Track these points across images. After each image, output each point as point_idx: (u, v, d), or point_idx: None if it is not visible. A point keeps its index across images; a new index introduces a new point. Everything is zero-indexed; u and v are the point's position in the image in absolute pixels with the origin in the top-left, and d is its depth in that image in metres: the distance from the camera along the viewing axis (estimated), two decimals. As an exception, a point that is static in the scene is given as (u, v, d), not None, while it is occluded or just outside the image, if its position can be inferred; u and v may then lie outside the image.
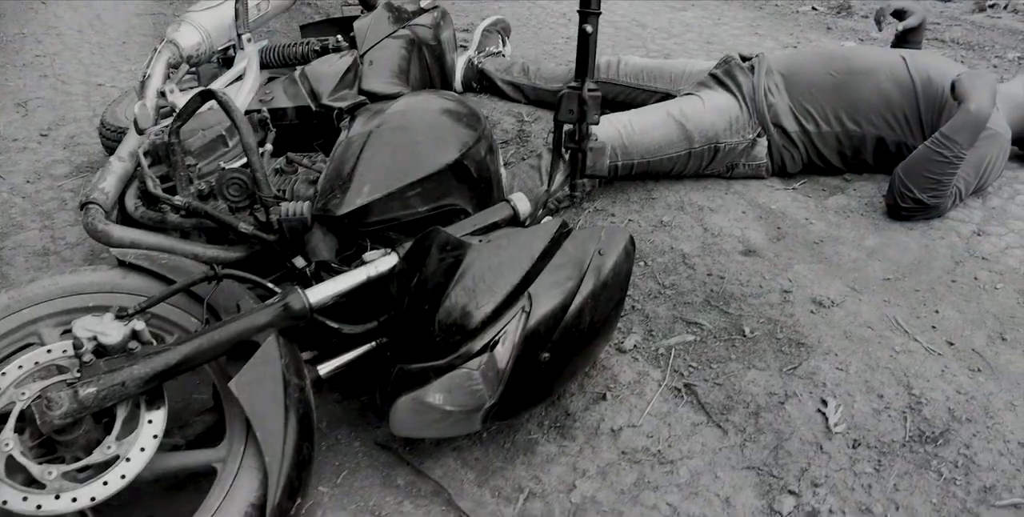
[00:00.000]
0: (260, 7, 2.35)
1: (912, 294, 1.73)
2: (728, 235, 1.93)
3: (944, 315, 1.66)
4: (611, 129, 2.03)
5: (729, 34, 3.26)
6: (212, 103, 1.97)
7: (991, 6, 3.38)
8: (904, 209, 1.93)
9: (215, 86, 2.05)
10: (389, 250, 1.48)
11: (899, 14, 2.25)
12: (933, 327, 1.63)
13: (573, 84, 1.55)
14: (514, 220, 1.53)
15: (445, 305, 1.33)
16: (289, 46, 2.31)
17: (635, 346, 1.66)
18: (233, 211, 1.67)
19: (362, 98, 1.91)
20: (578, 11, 1.48)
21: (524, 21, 3.51)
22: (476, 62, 2.71)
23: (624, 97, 2.41)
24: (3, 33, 3.96)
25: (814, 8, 3.51)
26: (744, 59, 2.26)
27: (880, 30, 2.23)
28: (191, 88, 2.20)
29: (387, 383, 1.37)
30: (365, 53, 2.13)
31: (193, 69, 2.24)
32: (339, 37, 2.31)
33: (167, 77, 2.09)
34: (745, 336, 1.64)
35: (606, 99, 2.44)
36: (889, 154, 2.07)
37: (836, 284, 1.76)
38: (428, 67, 2.28)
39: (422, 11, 2.43)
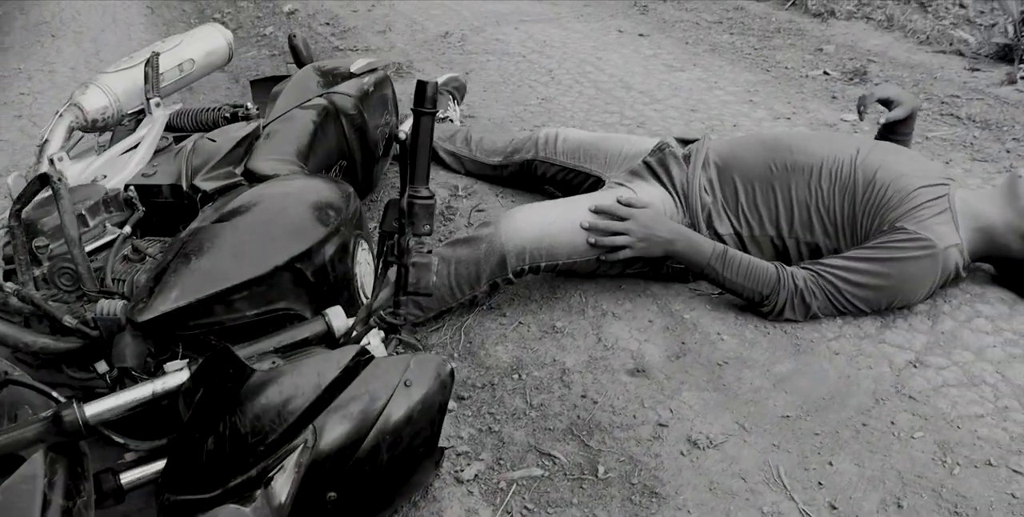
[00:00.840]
0: (183, 68, 2.27)
1: (809, 438, 1.48)
2: (622, 349, 1.72)
3: (838, 468, 1.41)
4: (532, 230, 1.83)
5: (719, 100, 3.03)
6: (97, 175, 1.91)
7: (1023, 78, 3.07)
8: (774, 315, 1.76)
9: (110, 154, 1.97)
10: (185, 363, 1.34)
11: (886, 103, 2.00)
12: (820, 483, 1.39)
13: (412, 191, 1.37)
14: (328, 337, 1.37)
15: (218, 433, 1.19)
16: (203, 111, 2.22)
17: (476, 476, 1.46)
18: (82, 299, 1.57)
19: (237, 179, 1.79)
20: (412, 109, 1.32)
21: (506, 78, 3.36)
22: None
23: (561, 177, 2.22)
24: (5, 67, 4.05)
25: (826, 73, 3.25)
26: (685, 142, 2.06)
27: (862, 119, 1.99)
28: (102, 148, 2.13)
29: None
30: (269, 124, 2.03)
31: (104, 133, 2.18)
32: (248, 104, 2.21)
33: (67, 142, 2.03)
34: (597, 477, 1.43)
35: (544, 177, 2.27)
36: (826, 259, 1.83)
37: (724, 419, 1.53)
38: (346, 141, 2.15)
39: (351, 76, 2.32)
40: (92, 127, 2.08)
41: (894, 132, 2.07)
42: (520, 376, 1.67)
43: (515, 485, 1.44)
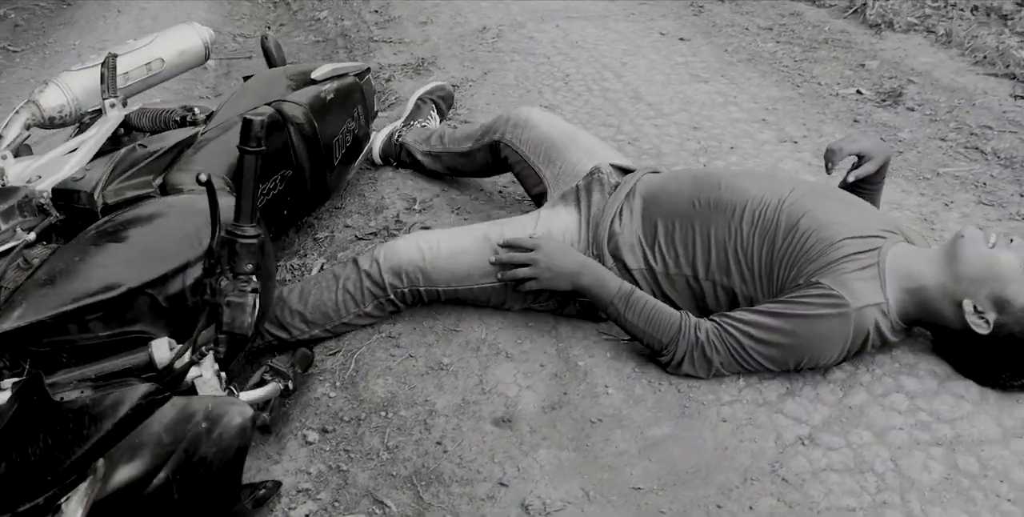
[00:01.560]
0: (152, 67, 2.31)
1: (653, 516, 1.38)
2: (499, 394, 1.64)
3: (669, 556, 1.31)
4: (412, 250, 1.80)
5: (729, 118, 2.85)
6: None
7: (1080, 107, 2.74)
8: (673, 368, 1.64)
9: (52, 154, 2.03)
10: (12, 383, 1.37)
11: (858, 157, 1.83)
12: (642, 571, 1.29)
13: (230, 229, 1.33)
14: (150, 368, 1.37)
15: (11, 458, 1.21)
16: (160, 112, 2.26)
17: (305, 516, 1.44)
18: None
19: (149, 190, 1.80)
20: (237, 147, 1.29)
21: (520, 80, 3.27)
22: (397, 136, 2.53)
23: (518, 169, 2.13)
24: (62, 43, 4.25)
25: (859, 92, 3.00)
26: (625, 171, 1.94)
27: (829, 173, 1.82)
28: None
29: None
30: (207, 131, 2.03)
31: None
32: (197, 108, 2.23)
33: (21, 139, 2.10)
34: (418, 535, 1.38)
35: (506, 163, 2.18)
36: (740, 308, 1.69)
37: (571, 484, 1.44)
38: (292, 150, 2.13)
39: (312, 82, 2.29)
40: (50, 124, 2.15)
41: (861, 183, 1.89)
42: (388, 414, 1.62)
43: (340, 531, 1.40)
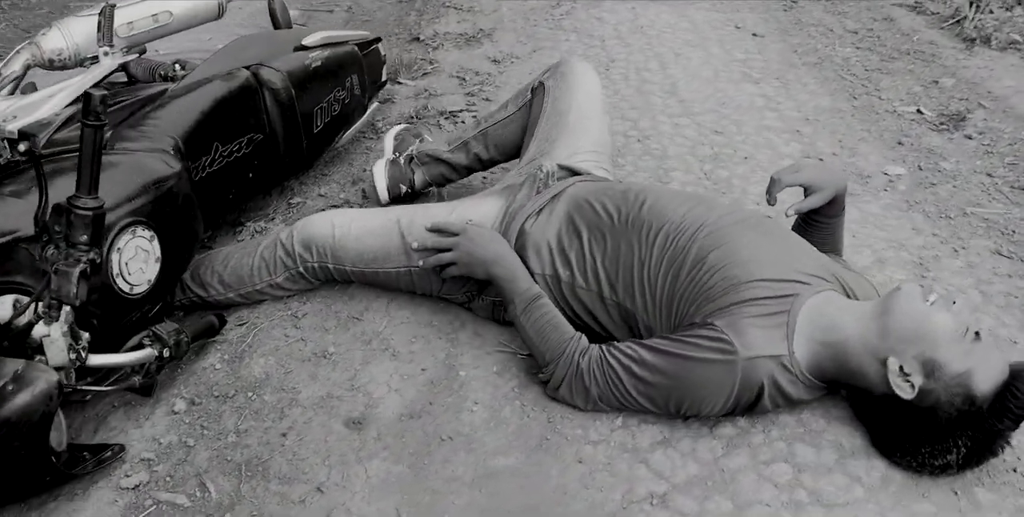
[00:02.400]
0: (159, 19, 2.33)
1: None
2: (364, 393, 1.58)
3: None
4: (325, 226, 1.75)
5: (760, 126, 2.62)
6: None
7: None
8: (551, 390, 1.53)
9: (36, 95, 2.09)
10: None
11: (805, 188, 1.64)
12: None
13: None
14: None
15: None
16: (155, 64, 2.28)
17: (135, 486, 1.43)
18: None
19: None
20: (78, 120, 1.27)
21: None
22: (402, 159, 2.35)
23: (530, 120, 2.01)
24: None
25: (919, 111, 2.69)
26: (575, 173, 1.81)
27: (771, 204, 1.64)
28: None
29: None
30: (175, 90, 2.04)
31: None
32: (179, 64, 2.24)
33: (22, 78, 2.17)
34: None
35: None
36: (640, 337, 1.55)
37: (386, 503, 1.35)
38: (266, 115, 2.10)
39: (303, 48, 2.26)
40: (49, 66, 2.21)
41: (813, 217, 1.70)
42: (253, 395, 1.59)
43: (157, 507, 1.40)
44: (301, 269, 1.76)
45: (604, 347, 1.48)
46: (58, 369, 1.37)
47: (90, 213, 1.31)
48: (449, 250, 1.62)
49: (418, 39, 3.45)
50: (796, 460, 1.41)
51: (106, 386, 1.53)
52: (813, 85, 2.94)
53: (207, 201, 1.89)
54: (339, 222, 1.74)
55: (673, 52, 3.22)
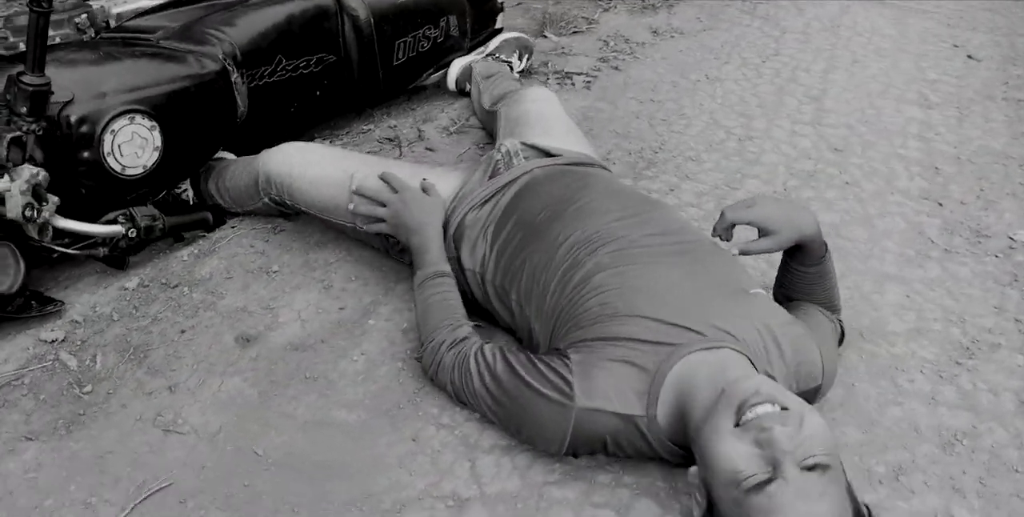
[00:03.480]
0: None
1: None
2: (273, 315, 1.58)
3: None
4: (284, 164, 1.70)
5: (888, 154, 2.24)
6: None
7: None
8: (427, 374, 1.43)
9: None
10: None
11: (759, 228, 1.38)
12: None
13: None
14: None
15: None
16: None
17: (53, 341, 1.56)
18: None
19: (147, 36, 1.93)
20: (26, 5, 1.38)
21: (722, 45, 2.85)
22: (490, 59, 2.42)
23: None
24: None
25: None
26: (545, 154, 1.65)
27: (724, 240, 1.42)
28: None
29: None
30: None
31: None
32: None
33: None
34: (82, 393, 1.43)
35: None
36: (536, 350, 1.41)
37: (212, 419, 1.38)
38: (341, 39, 2.13)
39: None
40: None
41: (787, 263, 1.45)
42: (187, 290, 1.66)
43: (52, 364, 1.51)
44: (266, 199, 1.77)
45: (478, 347, 1.34)
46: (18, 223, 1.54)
47: (30, 88, 1.43)
48: (384, 205, 1.56)
49: (593, -3, 3.33)
50: (629, 515, 1.23)
51: (72, 249, 1.68)
52: (996, 123, 2.46)
53: (262, 108, 1.95)
54: (297, 162, 1.69)
55: (853, 58, 2.83)
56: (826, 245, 1.41)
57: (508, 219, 1.48)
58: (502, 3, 2.49)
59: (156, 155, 1.74)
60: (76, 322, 1.60)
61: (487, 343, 1.35)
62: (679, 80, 2.50)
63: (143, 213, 1.74)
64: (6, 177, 1.52)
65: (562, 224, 1.39)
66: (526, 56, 2.46)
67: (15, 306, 1.61)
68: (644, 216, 1.39)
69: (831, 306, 1.46)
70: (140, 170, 1.72)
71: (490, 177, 1.57)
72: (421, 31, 2.28)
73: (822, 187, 2.06)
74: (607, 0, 3.29)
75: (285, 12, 2.03)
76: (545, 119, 1.81)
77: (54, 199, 1.60)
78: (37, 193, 1.57)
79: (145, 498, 1.23)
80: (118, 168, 1.69)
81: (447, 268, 1.44)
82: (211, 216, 1.89)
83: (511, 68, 2.39)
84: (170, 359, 1.49)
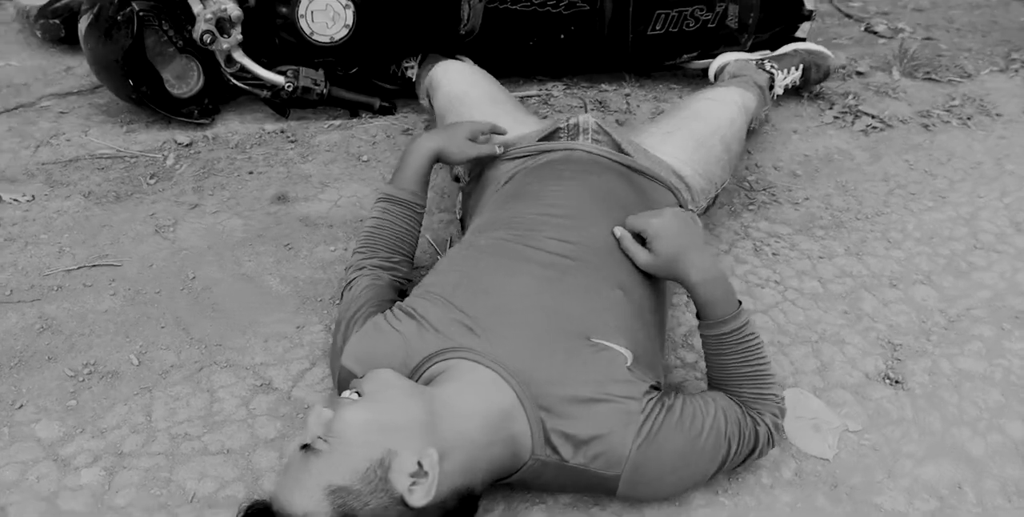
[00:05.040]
0: None
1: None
2: (319, 188, 1.69)
3: None
4: (442, 72, 1.76)
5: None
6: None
7: None
8: None
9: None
10: None
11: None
12: None
13: None
14: None
15: None
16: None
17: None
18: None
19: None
20: None
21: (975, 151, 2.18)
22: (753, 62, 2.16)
23: None
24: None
25: None
26: (619, 149, 1.46)
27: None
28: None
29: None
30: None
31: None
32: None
33: None
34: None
35: None
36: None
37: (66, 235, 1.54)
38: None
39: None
40: None
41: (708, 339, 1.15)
42: (290, 146, 1.85)
43: (132, 160, 1.82)
44: (425, 101, 1.84)
45: (365, 281, 1.25)
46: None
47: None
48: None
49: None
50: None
51: (242, 83, 1.95)
52: None
53: (497, 32, 2.03)
54: (452, 77, 1.73)
55: None
56: (736, 310, 1.12)
57: (513, 180, 1.38)
58: (812, 11, 2.18)
59: (345, 32, 1.92)
60: (206, 137, 1.88)
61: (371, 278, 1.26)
62: (984, 162, 1.98)
63: (308, 75, 1.95)
64: (200, 4, 1.82)
65: (504, 203, 1.28)
66: (809, 75, 2.11)
67: (187, 110, 1.95)
68: (579, 222, 1.20)
69: (743, 393, 1.14)
70: (326, 39, 1.92)
71: (542, 139, 1.47)
72: (690, 9, 2.13)
73: (963, 338, 1.53)
74: (1013, 59, 2.68)
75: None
76: (691, 119, 1.61)
77: (238, 36, 1.87)
78: (221, 25, 1.85)
79: (92, 266, 1.46)
80: (307, 31, 1.90)
81: (400, 194, 1.35)
82: (379, 103, 2.04)
83: (771, 80, 2.11)
84: (216, 188, 1.70)
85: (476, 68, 1.79)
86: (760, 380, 1.14)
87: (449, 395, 0.98)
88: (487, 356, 1.01)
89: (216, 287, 1.45)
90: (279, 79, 1.92)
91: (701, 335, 1.15)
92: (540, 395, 1.00)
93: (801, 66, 2.11)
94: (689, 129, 1.58)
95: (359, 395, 0.92)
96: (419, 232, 1.34)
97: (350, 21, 1.90)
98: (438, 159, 1.37)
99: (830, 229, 1.72)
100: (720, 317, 1.12)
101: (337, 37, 1.91)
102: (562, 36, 2.16)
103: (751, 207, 1.77)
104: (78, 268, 1.47)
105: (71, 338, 1.33)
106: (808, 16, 2.17)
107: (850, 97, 2.20)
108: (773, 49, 2.16)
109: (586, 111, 1.90)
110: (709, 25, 2.15)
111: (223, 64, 1.91)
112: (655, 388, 1.06)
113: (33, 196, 1.64)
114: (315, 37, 1.90)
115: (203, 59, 1.93)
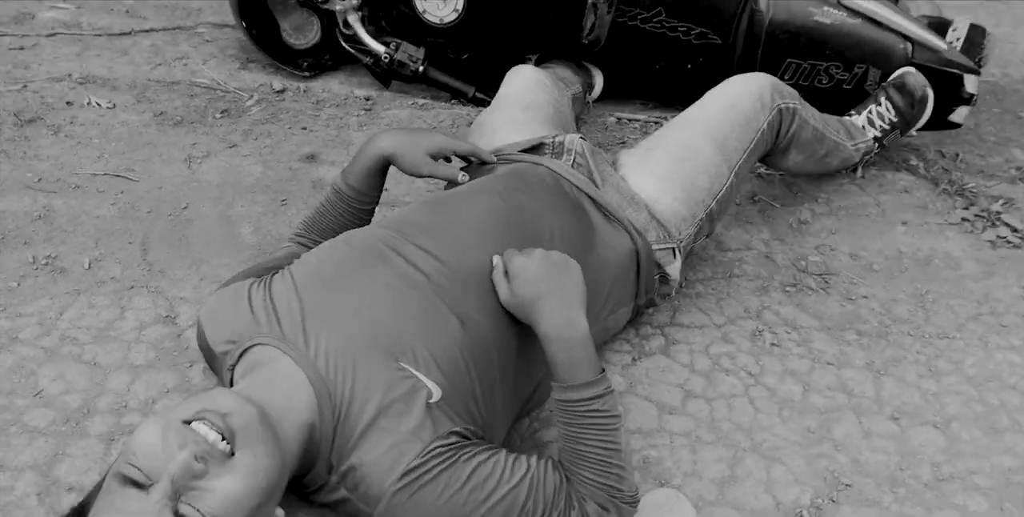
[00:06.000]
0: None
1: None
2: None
3: None
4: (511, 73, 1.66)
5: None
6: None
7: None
8: None
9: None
10: None
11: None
12: None
13: None
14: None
15: None
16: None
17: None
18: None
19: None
20: None
21: None
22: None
23: None
24: None
25: None
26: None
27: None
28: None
29: None
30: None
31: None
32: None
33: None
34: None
35: None
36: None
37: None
38: (735, 26, 1.91)
39: (840, 5, 1.85)
40: None
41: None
42: (362, 111, 1.89)
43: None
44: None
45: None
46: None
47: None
48: None
49: None
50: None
51: (347, 44, 2.01)
52: None
53: (623, 48, 1.96)
54: (516, 82, 1.62)
55: None
56: (589, 379, 0.98)
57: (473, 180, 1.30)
58: (973, 96, 1.84)
59: (454, 16, 1.93)
60: (299, 88, 1.98)
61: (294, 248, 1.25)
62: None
63: (407, 50, 1.98)
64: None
65: (432, 206, 1.19)
66: (903, 112, 1.80)
67: (299, 61, 2.06)
68: (464, 241, 1.09)
69: (579, 473, 0.99)
70: (436, 20, 1.94)
71: (525, 150, 1.38)
72: (824, 64, 1.90)
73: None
74: None
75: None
76: (677, 126, 1.40)
77: (353, 1, 1.94)
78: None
79: (113, 175, 1.59)
80: (420, 8, 1.93)
81: (343, 187, 1.25)
82: (474, 92, 2.03)
83: (876, 143, 1.81)
84: (263, 135, 1.80)
85: (546, 79, 1.68)
86: (601, 466, 0.98)
87: (278, 410, 0.91)
88: (303, 358, 0.96)
89: (197, 221, 1.51)
90: (380, 49, 1.96)
91: (552, 400, 1.01)
92: (336, 406, 0.94)
93: (891, 101, 1.80)
94: (672, 139, 1.38)
95: (230, 448, 0.83)
96: (361, 223, 1.27)
97: (460, 6, 1.90)
98: (391, 163, 1.25)
99: (867, 337, 1.45)
100: (567, 381, 0.99)
101: (447, 20, 1.92)
102: (689, 66, 2.03)
103: (788, 288, 1.54)
104: (103, 175, 1.60)
105: (54, 231, 1.46)
106: (968, 100, 1.84)
107: (999, 202, 1.85)
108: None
109: (577, 131, 1.72)
110: (844, 86, 1.91)
111: (340, 25, 2.00)
112: (460, 435, 0.95)
113: (115, 104, 1.81)
114: (426, 16, 1.92)
115: (324, 17, 2.02)
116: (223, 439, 0.82)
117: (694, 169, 1.32)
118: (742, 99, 1.37)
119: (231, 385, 1.01)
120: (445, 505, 0.90)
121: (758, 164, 1.59)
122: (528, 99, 1.57)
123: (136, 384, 1.19)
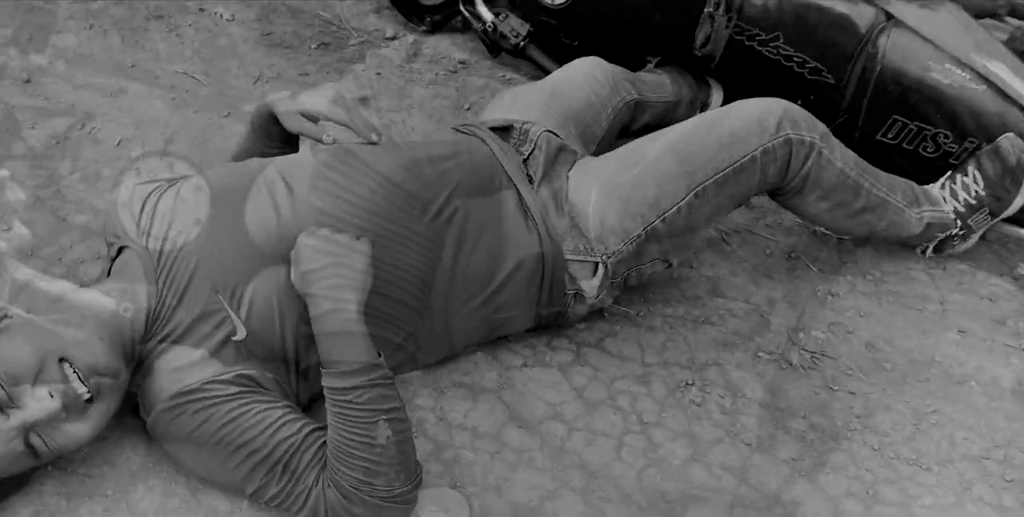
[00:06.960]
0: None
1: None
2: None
3: None
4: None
5: None
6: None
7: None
8: None
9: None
10: None
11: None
12: None
13: None
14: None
15: None
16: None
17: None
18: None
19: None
20: None
21: None
22: None
23: None
24: None
25: None
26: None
27: None
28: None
29: None
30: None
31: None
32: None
33: None
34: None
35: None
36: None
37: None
38: (848, 71, 1.69)
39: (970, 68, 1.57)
40: None
41: None
42: (410, 64, 1.91)
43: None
44: None
45: None
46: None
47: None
48: None
49: None
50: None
51: (466, 10, 2.01)
52: None
53: (737, 65, 1.84)
54: (570, 66, 1.63)
55: None
56: (344, 369, 0.96)
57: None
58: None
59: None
60: (407, 39, 2.01)
61: None
62: None
63: (511, 24, 1.96)
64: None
65: (338, 155, 1.14)
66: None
67: (423, 16, 2.12)
68: (327, 196, 1.07)
69: (334, 464, 0.97)
70: (548, 0, 1.91)
71: (494, 128, 1.33)
72: (932, 130, 1.64)
73: None
74: None
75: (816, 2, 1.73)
76: (649, 138, 1.29)
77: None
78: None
79: (185, 74, 1.75)
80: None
81: (247, 126, 1.28)
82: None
83: (957, 220, 1.53)
84: (335, 72, 1.83)
85: (601, 75, 1.59)
86: (348, 458, 0.94)
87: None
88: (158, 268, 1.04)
89: (227, 129, 1.62)
90: (489, 16, 1.96)
91: None
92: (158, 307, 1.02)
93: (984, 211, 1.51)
94: (636, 145, 1.27)
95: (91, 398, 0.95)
96: None
97: (566, -5, 1.86)
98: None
99: (816, 432, 1.26)
100: (327, 367, 0.97)
101: (557, 1, 1.89)
102: (799, 102, 1.83)
103: (762, 354, 1.37)
104: (182, 73, 1.76)
105: (112, 109, 1.64)
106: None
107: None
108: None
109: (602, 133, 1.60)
110: (952, 160, 1.64)
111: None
112: (249, 379, 0.98)
113: (234, 17, 1.95)
114: (539, -4, 1.90)
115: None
116: (87, 392, 0.93)
117: (641, 178, 1.18)
118: (733, 118, 1.22)
119: (108, 275, 1.10)
120: (197, 438, 0.97)
121: (775, 203, 1.41)
122: (560, 86, 1.51)
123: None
